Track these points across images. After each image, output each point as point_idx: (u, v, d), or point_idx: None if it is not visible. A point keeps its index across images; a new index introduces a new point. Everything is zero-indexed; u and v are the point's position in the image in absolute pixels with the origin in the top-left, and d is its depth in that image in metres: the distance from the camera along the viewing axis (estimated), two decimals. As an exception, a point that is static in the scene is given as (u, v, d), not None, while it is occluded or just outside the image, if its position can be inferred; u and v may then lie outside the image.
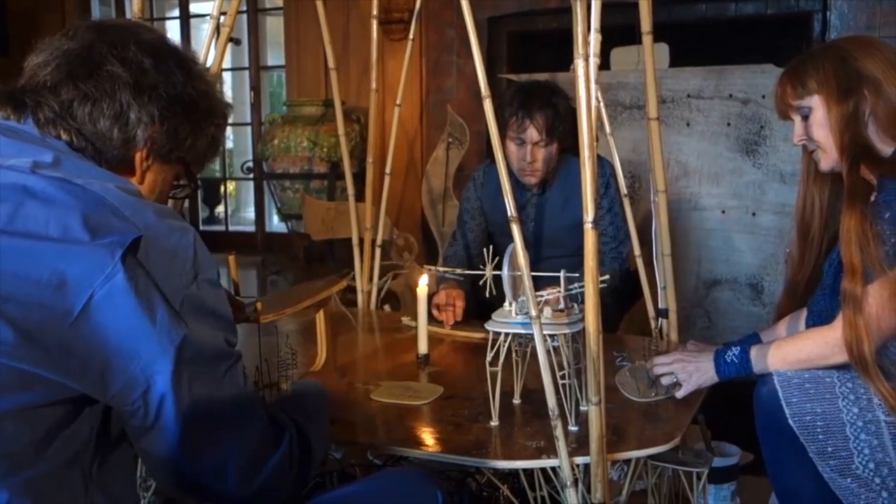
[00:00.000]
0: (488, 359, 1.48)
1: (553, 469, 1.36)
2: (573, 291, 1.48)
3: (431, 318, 2.10)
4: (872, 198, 1.48)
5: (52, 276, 0.88)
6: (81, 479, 0.94)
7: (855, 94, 1.53)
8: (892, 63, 1.54)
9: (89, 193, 0.93)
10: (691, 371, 1.64)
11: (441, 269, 2.09)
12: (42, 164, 0.95)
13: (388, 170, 2.57)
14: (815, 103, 1.58)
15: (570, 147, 2.38)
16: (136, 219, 0.93)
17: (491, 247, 1.56)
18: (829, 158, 1.59)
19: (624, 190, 2.17)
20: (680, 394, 1.63)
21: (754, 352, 1.59)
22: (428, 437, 1.46)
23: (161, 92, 1.07)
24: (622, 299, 2.46)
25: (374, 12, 2.50)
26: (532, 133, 2.29)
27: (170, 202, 1.23)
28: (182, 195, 1.21)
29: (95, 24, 1.08)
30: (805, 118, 1.61)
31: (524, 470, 1.47)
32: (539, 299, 1.42)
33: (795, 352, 1.54)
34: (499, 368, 1.47)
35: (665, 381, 1.66)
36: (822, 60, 1.58)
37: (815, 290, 1.68)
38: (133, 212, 0.94)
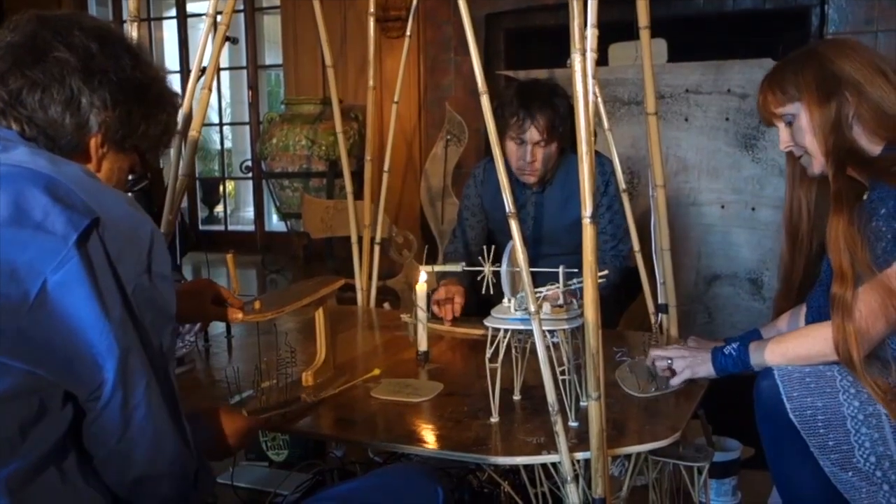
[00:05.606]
0: (488, 355, 1.47)
1: (553, 465, 1.36)
2: (572, 287, 1.47)
3: (431, 315, 2.09)
4: (865, 196, 1.48)
5: (3, 266, 0.87)
6: (59, 478, 0.93)
7: (836, 96, 1.55)
8: (869, 63, 1.55)
9: (41, 176, 0.92)
10: (687, 357, 1.65)
11: (438, 266, 2.08)
12: None
13: (386, 167, 2.57)
14: (798, 109, 1.60)
15: (570, 145, 2.37)
16: (92, 201, 0.92)
17: (491, 245, 1.55)
18: (817, 163, 1.61)
19: (623, 185, 2.16)
20: (674, 381, 1.63)
21: (753, 347, 1.60)
22: (428, 434, 1.46)
23: (111, 76, 1.05)
24: (621, 295, 2.46)
25: (372, 10, 2.49)
26: (533, 133, 2.28)
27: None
28: (138, 186, 1.20)
29: (36, 15, 1.06)
30: (789, 124, 1.63)
31: (525, 466, 1.47)
32: (538, 295, 1.42)
33: (794, 348, 1.54)
34: (498, 365, 1.47)
35: (659, 364, 1.66)
36: (801, 66, 1.60)
37: (811, 286, 1.68)
38: (88, 194, 0.93)
